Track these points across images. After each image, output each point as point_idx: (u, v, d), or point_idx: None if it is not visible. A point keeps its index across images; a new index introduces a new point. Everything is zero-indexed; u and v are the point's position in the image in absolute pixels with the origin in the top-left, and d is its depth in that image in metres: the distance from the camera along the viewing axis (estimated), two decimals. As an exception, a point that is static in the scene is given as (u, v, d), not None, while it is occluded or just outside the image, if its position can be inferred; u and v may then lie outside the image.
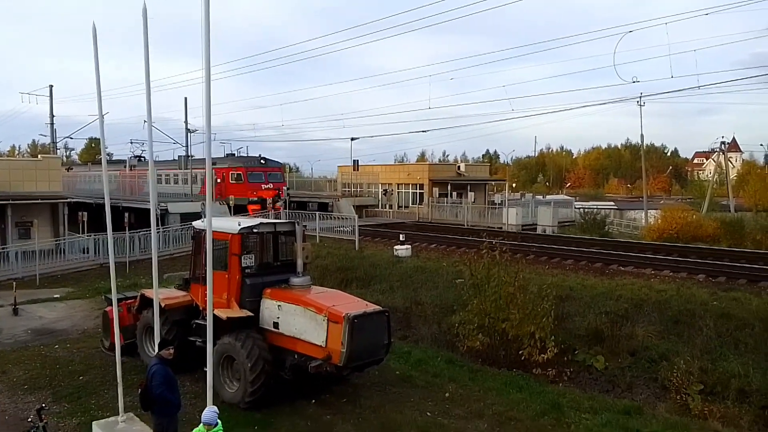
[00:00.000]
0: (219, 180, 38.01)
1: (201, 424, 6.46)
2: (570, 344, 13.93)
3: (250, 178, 38.38)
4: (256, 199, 36.20)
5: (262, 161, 40.30)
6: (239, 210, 33.49)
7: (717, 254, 22.24)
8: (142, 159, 51.61)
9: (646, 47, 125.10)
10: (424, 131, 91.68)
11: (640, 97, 42.33)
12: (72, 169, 55.18)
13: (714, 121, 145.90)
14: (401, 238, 23.97)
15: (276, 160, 42.47)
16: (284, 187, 39.21)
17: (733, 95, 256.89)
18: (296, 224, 11.84)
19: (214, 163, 38.17)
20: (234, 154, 46.73)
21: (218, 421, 6.46)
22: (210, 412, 6.48)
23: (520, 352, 13.24)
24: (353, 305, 10.46)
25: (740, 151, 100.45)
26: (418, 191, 44.84)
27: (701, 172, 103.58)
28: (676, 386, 11.69)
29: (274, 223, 12.52)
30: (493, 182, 55.23)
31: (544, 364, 13.08)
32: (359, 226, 26.62)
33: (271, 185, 38.10)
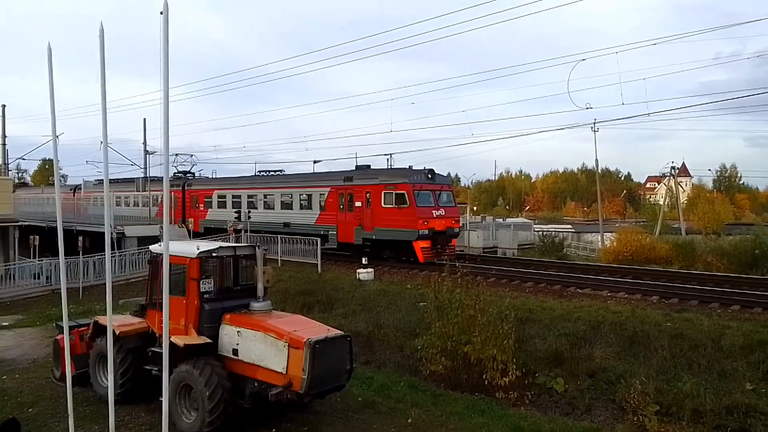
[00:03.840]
0: (359, 203, 27.46)
1: None
2: (531, 367, 14.04)
3: (418, 200, 25.48)
4: (426, 231, 24.97)
5: (429, 175, 26.82)
6: (383, 247, 26.19)
7: (670, 276, 22.92)
8: (192, 174, 43.45)
9: (598, 75, 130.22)
10: (386, 155, 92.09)
11: (594, 122, 43.57)
12: (78, 190, 46.31)
13: (664, 146, 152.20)
14: (364, 262, 23.92)
15: (443, 174, 29.01)
16: (459, 216, 28.57)
17: (682, 122, 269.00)
18: (257, 248, 11.70)
19: (350, 179, 29.22)
20: (369, 166, 31.29)
21: None
22: None
23: (483, 376, 13.28)
24: (314, 330, 10.31)
25: (690, 175, 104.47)
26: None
27: (654, 195, 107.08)
28: (633, 407, 11.85)
29: (234, 247, 12.37)
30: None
31: (506, 387, 13.14)
32: (322, 249, 26.48)
33: (443, 212, 26.11)
